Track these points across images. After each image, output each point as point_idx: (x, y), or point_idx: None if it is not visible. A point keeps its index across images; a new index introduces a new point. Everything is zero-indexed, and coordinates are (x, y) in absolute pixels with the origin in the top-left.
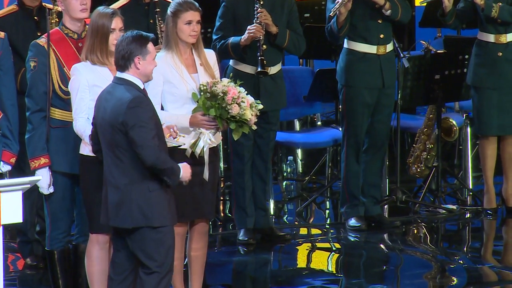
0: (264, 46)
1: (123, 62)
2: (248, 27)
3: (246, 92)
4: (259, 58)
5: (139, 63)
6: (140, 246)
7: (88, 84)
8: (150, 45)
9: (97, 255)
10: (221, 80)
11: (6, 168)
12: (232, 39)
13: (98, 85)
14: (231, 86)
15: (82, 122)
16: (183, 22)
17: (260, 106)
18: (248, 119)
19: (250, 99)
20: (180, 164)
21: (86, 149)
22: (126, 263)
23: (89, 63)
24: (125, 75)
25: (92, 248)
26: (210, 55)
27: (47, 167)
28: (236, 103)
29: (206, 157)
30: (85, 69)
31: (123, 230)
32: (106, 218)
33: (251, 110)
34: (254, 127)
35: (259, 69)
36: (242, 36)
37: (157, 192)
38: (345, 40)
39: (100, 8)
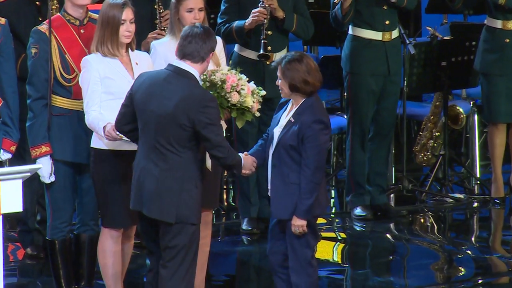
0: (269, 32)
1: (201, 54)
2: (253, 10)
3: (247, 79)
4: (262, 41)
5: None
6: (175, 240)
7: (99, 76)
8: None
9: (110, 249)
10: (221, 68)
11: (6, 156)
12: (236, 23)
13: (110, 77)
14: (230, 74)
15: (95, 115)
16: (184, 9)
17: (263, 93)
18: (250, 106)
19: (252, 86)
20: (241, 156)
21: (99, 142)
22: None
23: (100, 55)
24: (190, 68)
25: (106, 242)
26: (217, 41)
27: (48, 156)
28: (236, 91)
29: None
30: (96, 60)
31: (155, 221)
32: (139, 205)
33: (252, 97)
34: (258, 114)
35: (261, 52)
36: (247, 20)
37: (199, 189)
38: (350, 27)
39: None
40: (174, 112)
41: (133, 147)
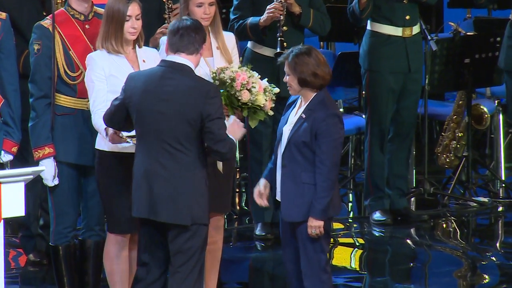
0: (285, 28)
1: (194, 46)
2: (268, 6)
3: (259, 76)
4: (279, 39)
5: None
6: (189, 243)
7: (105, 74)
8: None
9: (117, 255)
10: (231, 66)
11: (7, 157)
12: (250, 19)
13: (115, 75)
14: (240, 71)
15: (101, 115)
16: (194, 4)
17: (276, 90)
18: (262, 105)
19: (264, 83)
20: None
21: (103, 144)
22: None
23: (105, 52)
24: (185, 61)
25: (112, 248)
26: (229, 38)
27: (52, 157)
28: (246, 89)
29: None
30: (101, 58)
31: (162, 227)
32: (145, 211)
33: (264, 95)
34: (271, 113)
35: (278, 50)
36: (262, 17)
37: (208, 188)
38: (369, 22)
39: None
40: (182, 109)
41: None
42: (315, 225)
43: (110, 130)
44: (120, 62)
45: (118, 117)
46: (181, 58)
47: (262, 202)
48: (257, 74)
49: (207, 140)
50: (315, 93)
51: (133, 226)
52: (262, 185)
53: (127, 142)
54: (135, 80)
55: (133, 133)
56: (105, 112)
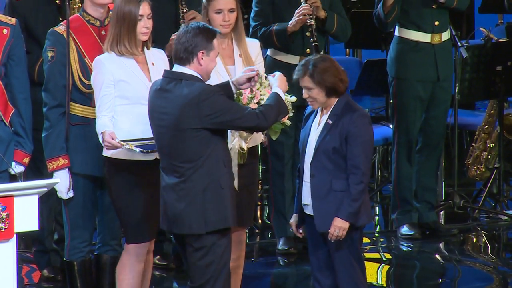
0: (308, 34)
1: (185, 55)
2: (297, 10)
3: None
4: (313, 44)
5: (202, 58)
6: (204, 254)
7: (113, 79)
8: (215, 41)
9: (132, 268)
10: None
11: (19, 169)
12: (276, 25)
13: (125, 80)
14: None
15: (103, 120)
16: (213, 10)
17: (293, 99)
18: None
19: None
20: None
21: (111, 151)
22: None
23: (114, 55)
24: (185, 69)
25: (128, 260)
26: (253, 45)
27: (66, 169)
28: (255, 102)
29: (233, 165)
30: (110, 61)
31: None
32: (167, 226)
33: None
34: (288, 123)
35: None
36: (290, 22)
37: (228, 188)
38: (396, 28)
39: None
40: (178, 118)
41: (146, 157)
42: (340, 226)
43: (106, 134)
44: (130, 65)
45: None
46: (178, 67)
47: (298, 233)
48: (268, 84)
49: (232, 129)
50: (337, 98)
51: (151, 233)
52: (293, 221)
53: (124, 146)
54: (150, 92)
55: (130, 137)
56: None
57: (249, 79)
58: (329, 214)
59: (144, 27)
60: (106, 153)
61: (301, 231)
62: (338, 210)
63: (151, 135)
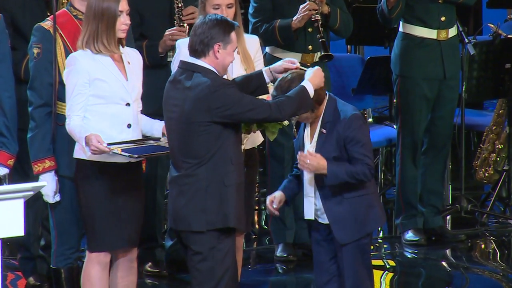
0: (310, 29)
1: (200, 47)
2: (302, 6)
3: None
4: (320, 40)
5: (218, 51)
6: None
7: (89, 78)
8: (233, 34)
9: (98, 276)
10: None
11: (3, 171)
12: (279, 22)
13: (102, 79)
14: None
15: (77, 121)
16: (210, 5)
17: None
18: None
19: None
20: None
21: (82, 152)
22: None
23: (89, 52)
24: (200, 62)
25: (92, 269)
26: (252, 41)
27: (53, 171)
28: None
29: None
30: (86, 59)
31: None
32: (171, 222)
33: None
34: (286, 123)
35: (322, 53)
36: (294, 17)
37: (233, 186)
38: (401, 23)
39: None
40: (187, 111)
41: (121, 159)
42: (318, 162)
43: (93, 138)
44: (107, 63)
45: None
46: (193, 59)
47: (273, 211)
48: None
49: (243, 122)
50: (324, 104)
51: (116, 243)
52: (277, 196)
53: (111, 151)
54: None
55: (116, 139)
56: None
57: (286, 70)
58: (348, 225)
59: (124, 23)
60: (79, 155)
61: (277, 212)
62: (356, 220)
63: (129, 138)
